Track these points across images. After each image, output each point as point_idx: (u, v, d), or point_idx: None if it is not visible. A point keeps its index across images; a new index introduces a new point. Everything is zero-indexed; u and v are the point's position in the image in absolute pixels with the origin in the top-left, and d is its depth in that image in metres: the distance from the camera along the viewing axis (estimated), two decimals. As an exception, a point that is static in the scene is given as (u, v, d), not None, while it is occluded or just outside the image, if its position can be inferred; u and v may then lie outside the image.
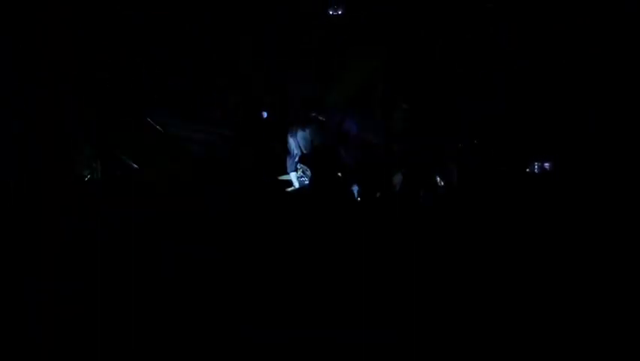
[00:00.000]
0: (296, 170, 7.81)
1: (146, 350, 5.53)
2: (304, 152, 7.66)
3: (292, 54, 7.28)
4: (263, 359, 5.49)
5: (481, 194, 7.07)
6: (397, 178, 7.21)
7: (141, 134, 7.16)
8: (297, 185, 7.76)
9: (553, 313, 5.79)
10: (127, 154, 7.09)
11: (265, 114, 7.63)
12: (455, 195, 7.12)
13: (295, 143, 7.69)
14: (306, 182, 7.66)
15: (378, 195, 7.28)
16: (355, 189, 7.44)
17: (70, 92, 6.41)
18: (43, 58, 6.18)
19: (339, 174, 7.39)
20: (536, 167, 7.12)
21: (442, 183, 7.25)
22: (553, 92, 7.07)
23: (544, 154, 7.07)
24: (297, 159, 7.71)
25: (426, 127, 7.33)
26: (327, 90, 7.32)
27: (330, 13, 7.32)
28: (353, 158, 7.44)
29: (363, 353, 5.50)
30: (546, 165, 7.09)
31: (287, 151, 7.76)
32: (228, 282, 6.20)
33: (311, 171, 7.51)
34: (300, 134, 7.68)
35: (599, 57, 6.95)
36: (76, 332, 5.54)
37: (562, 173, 7.01)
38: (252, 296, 6.06)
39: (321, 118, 7.52)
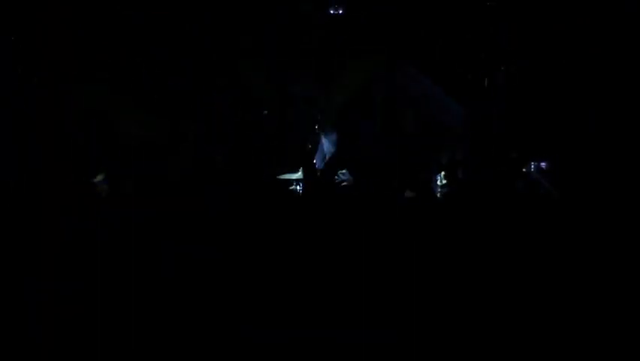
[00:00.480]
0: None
1: (146, 349, 5.53)
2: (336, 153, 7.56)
3: (292, 54, 7.28)
4: (263, 359, 5.48)
5: (480, 194, 7.07)
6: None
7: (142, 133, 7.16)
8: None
9: (554, 314, 5.78)
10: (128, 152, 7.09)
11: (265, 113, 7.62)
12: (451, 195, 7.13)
13: (327, 143, 7.60)
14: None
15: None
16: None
17: (70, 92, 6.41)
18: (43, 58, 6.18)
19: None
20: (533, 166, 7.12)
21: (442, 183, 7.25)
22: (553, 92, 7.06)
23: (544, 154, 7.07)
24: (327, 159, 7.58)
25: (426, 127, 7.32)
26: (328, 90, 7.32)
27: (331, 12, 7.32)
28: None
29: (363, 352, 5.50)
30: (542, 164, 7.09)
31: (316, 150, 7.65)
32: (228, 282, 6.20)
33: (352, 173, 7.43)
34: (333, 135, 7.59)
35: (599, 57, 6.95)
36: (76, 332, 5.54)
37: (561, 173, 7.01)
38: (252, 296, 6.05)
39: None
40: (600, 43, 6.90)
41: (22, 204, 6.13)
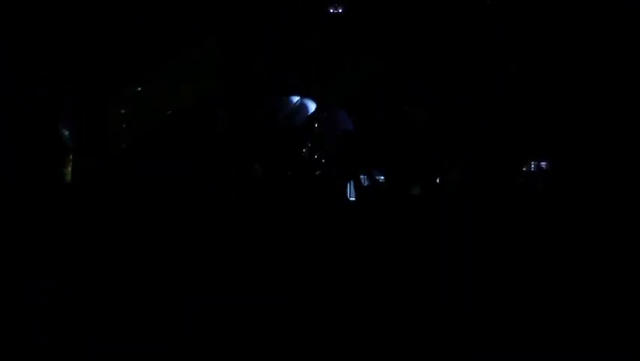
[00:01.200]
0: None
1: (147, 349, 5.54)
2: None
3: (292, 54, 7.28)
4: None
5: (482, 194, 7.08)
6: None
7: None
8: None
9: (555, 315, 5.80)
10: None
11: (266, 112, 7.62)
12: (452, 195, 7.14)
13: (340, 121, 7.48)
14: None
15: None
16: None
17: (70, 92, 6.41)
18: (43, 58, 6.17)
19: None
20: (533, 166, 7.13)
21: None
22: (553, 92, 7.07)
23: (544, 154, 7.08)
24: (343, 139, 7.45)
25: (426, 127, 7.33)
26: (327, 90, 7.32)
27: (331, 11, 7.32)
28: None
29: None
30: (542, 163, 7.10)
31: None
32: (230, 282, 6.20)
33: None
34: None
35: (599, 57, 6.96)
36: (76, 332, 5.54)
37: (561, 173, 7.02)
38: (253, 298, 6.06)
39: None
40: (600, 43, 6.91)
41: (22, 204, 6.13)
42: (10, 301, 5.72)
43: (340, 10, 7.32)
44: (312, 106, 7.35)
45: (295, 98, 7.33)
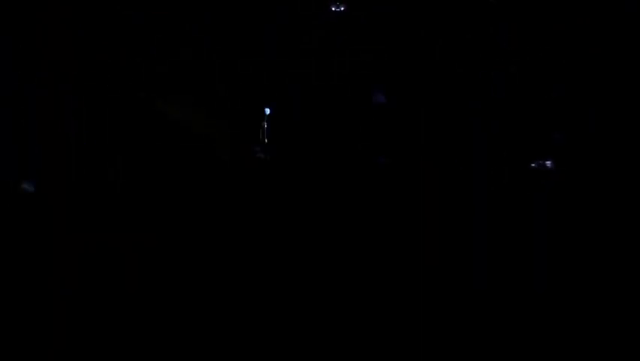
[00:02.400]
0: None
1: (148, 350, 5.55)
2: None
3: (292, 54, 7.28)
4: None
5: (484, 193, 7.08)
6: None
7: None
8: None
9: (556, 316, 5.80)
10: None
11: (267, 111, 7.62)
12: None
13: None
14: None
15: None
16: None
17: (70, 92, 6.42)
18: (43, 58, 6.19)
19: None
20: (535, 165, 7.13)
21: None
22: (553, 92, 7.07)
23: (545, 154, 7.08)
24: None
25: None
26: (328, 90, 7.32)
27: (333, 9, 7.33)
28: None
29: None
30: (547, 163, 7.10)
31: None
32: (232, 283, 6.21)
33: None
34: None
35: (599, 57, 6.96)
36: (77, 332, 5.56)
37: (562, 173, 7.03)
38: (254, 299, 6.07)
39: None
40: (600, 43, 6.92)
41: (22, 205, 6.14)
42: (11, 301, 5.74)
43: (342, 9, 7.32)
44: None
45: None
